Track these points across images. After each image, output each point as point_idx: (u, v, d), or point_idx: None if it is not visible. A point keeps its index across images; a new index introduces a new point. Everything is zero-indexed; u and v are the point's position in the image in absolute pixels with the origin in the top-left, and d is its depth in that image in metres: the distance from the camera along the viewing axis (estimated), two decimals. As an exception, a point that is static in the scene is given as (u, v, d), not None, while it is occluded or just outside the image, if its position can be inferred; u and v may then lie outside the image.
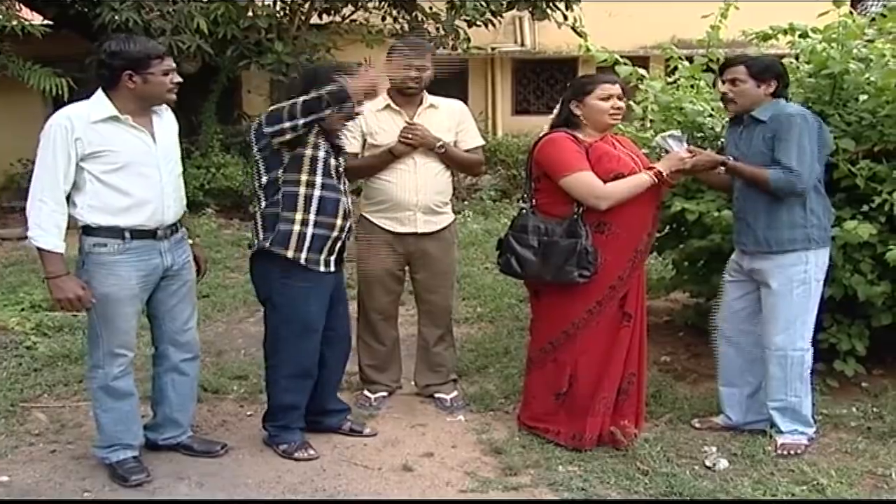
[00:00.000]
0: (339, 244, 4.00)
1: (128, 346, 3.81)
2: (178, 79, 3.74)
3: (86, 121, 3.59)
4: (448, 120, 4.57)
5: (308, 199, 3.87)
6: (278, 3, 11.23)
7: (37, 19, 10.25)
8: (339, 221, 3.95)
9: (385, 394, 4.76)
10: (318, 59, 11.11)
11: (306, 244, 3.89)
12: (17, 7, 9.91)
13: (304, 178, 3.85)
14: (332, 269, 4.02)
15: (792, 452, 4.07)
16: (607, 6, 13.38)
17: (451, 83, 14.66)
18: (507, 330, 6.03)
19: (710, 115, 5.16)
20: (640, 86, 5.59)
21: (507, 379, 5.04)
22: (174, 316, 3.94)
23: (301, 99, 3.71)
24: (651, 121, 5.68)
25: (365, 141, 4.49)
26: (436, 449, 4.18)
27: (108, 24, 9.26)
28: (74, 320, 5.97)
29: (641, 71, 5.61)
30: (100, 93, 3.67)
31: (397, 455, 4.11)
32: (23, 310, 6.21)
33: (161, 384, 4.04)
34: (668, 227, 5.42)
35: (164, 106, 3.86)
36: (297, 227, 3.88)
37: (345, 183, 4.03)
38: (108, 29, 9.28)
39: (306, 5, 11.19)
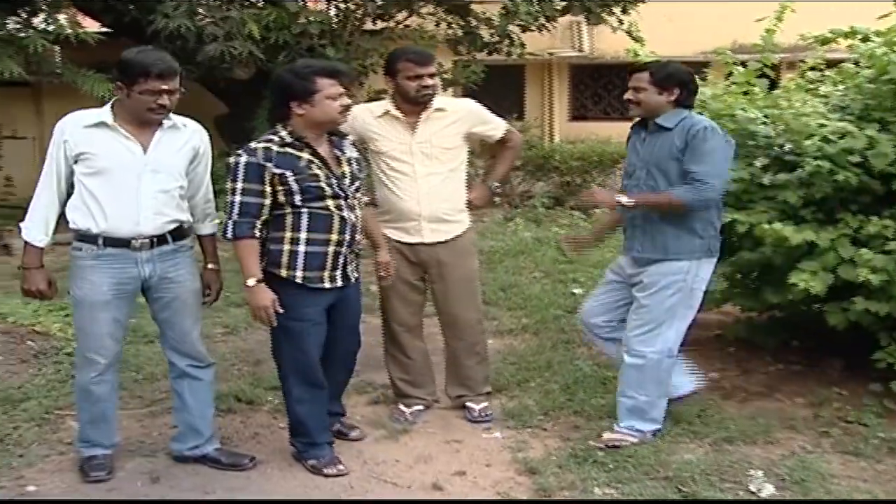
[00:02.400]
0: (341, 258, 3.89)
1: (100, 351, 3.82)
2: (165, 101, 3.67)
3: (78, 124, 3.69)
4: (457, 125, 4.42)
5: (296, 217, 3.79)
6: (332, 8, 11.22)
7: (93, 26, 10.38)
8: (334, 236, 3.83)
9: (421, 407, 4.64)
10: (371, 65, 11.09)
11: (299, 262, 3.81)
12: (80, 16, 10.06)
13: (284, 201, 3.77)
14: (339, 283, 3.92)
15: (613, 446, 4.11)
16: (667, 10, 13.14)
17: (508, 89, 14.56)
18: (552, 343, 5.86)
19: (764, 123, 4.95)
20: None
21: (548, 394, 4.87)
22: (171, 326, 3.94)
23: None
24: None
25: (365, 147, 4.40)
26: (469, 467, 4.05)
27: (161, 30, 9.32)
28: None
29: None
30: (113, 100, 3.76)
31: (428, 472, 3.99)
32: (66, 315, 6.20)
33: (178, 390, 4.04)
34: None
35: (188, 122, 3.86)
36: (286, 247, 3.81)
37: (346, 194, 3.86)
38: (160, 35, 9.35)
39: (360, 11, 11.15)
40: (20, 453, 4.16)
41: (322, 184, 3.78)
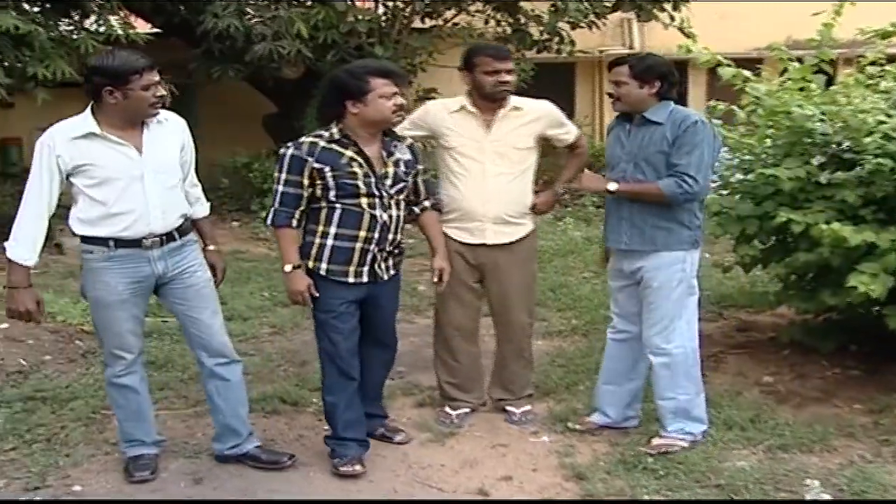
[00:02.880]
0: (369, 256, 3.90)
1: (125, 348, 3.84)
2: (162, 92, 3.68)
3: (67, 138, 3.63)
4: (533, 125, 4.36)
5: (330, 211, 3.87)
6: (380, 7, 11.21)
7: (143, 27, 10.46)
8: (362, 233, 3.86)
9: (467, 410, 4.57)
10: (421, 63, 11.06)
11: (325, 255, 3.88)
12: (133, 18, 10.15)
13: (320, 195, 3.86)
14: (365, 279, 3.92)
15: (664, 452, 4.03)
16: (719, 7, 12.93)
17: (558, 87, 14.42)
18: (602, 344, 5.67)
19: (821, 120, 4.81)
20: (746, 89, 5.28)
21: (597, 398, 4.77)
22: (192, 321, 3.92)
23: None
24: (756, 126, 5.36)
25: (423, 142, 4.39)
26: (515, 472, 3.97)
27: (210, 30, 9.37)
28: (164, 326, 5.99)
29: (746, 73, 5.31)
30: (89, 108, 3.70)
31: (474, 477, 3.92)
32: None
33: (209, 392, 4.05)
34: (773, 239, 5.10)
35: (169, 114, 3.83)
36: (317, 240, 3.90)
37: (381, 193, 3.87)
38: (210, 35, 9.39)
39: (408, 9, 11.12)
40: (67, 452, 4.17)
41: (359, 182, 3.82)
